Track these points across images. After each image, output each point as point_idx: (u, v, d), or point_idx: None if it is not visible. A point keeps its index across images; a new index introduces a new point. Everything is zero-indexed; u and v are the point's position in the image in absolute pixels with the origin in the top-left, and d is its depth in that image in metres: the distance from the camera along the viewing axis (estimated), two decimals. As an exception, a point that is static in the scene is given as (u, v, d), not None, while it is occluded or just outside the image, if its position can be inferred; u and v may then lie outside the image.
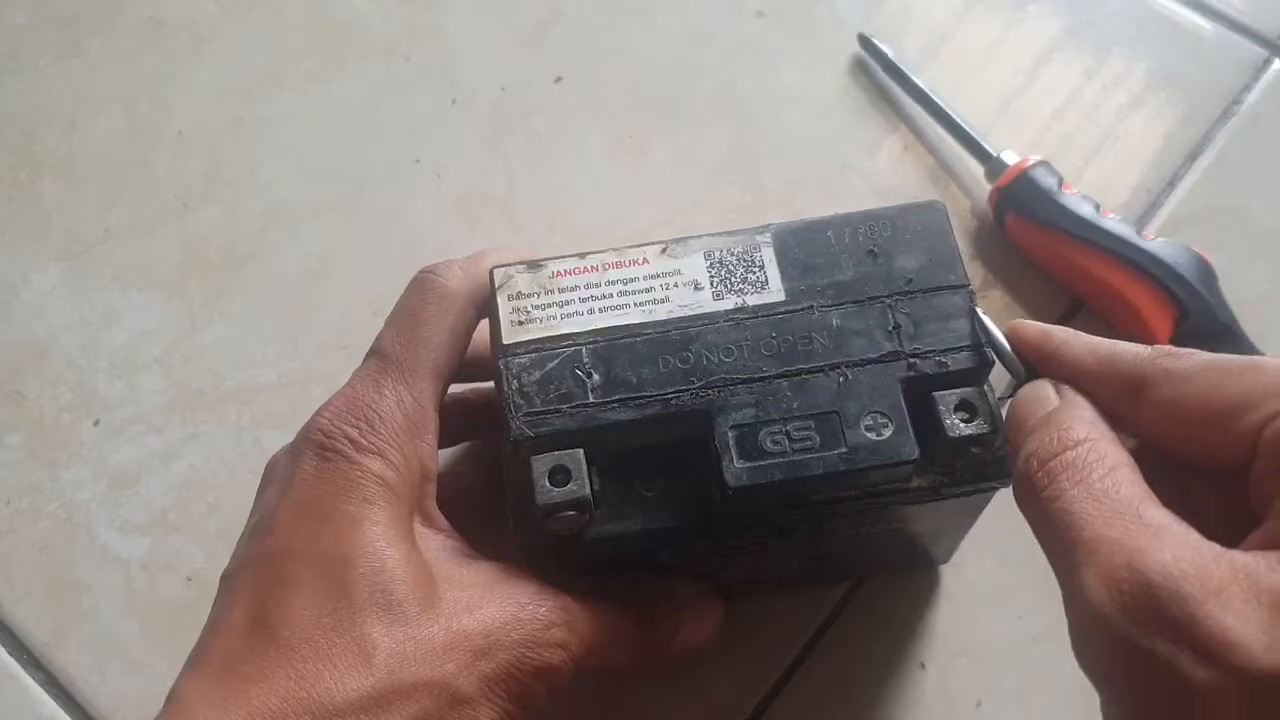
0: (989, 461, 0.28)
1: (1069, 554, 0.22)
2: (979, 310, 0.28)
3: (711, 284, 0.30)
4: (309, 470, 0.28)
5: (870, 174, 0.45)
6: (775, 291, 0.30)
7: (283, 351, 0.43)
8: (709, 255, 0.30)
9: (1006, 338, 0.27)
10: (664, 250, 0.30)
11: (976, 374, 0.28)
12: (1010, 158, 0.42)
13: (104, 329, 0.44)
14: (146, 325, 0.44)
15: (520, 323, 0.29)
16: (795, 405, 0.28)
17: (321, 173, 0.47)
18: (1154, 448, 0.25)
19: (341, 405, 0.29)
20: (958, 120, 0.44)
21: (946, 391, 0.28)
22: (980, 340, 0.28)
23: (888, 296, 0.29)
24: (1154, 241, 0.39)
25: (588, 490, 0.27)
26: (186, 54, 0.50)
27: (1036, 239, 0.41)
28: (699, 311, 0.29)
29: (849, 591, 0.38)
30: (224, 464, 0.41)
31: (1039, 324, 0.27)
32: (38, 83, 0.49)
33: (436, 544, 0.29)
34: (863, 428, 0.27)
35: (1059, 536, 0.23)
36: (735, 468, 0.27)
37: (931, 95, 0.45)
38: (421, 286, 0.31)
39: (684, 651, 0.32)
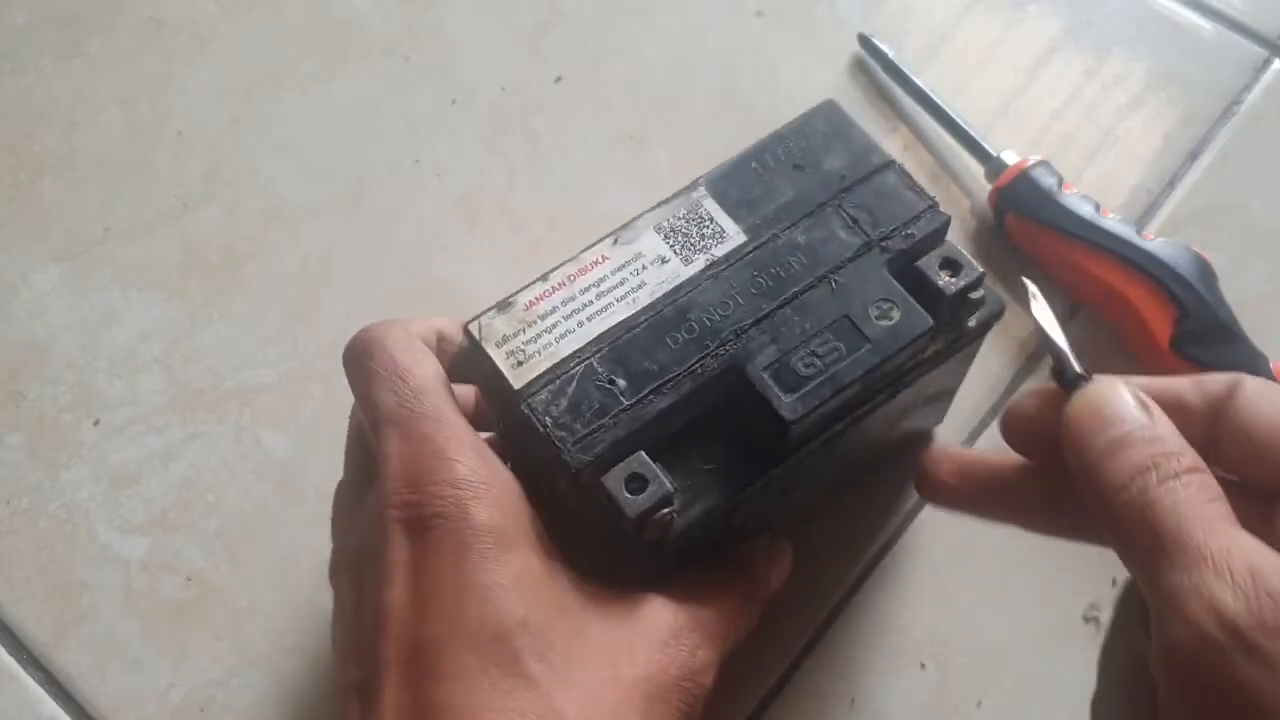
0: (981, 302, 0.30)
1: (1178, 552, 0.21)
2: (1036, 297, 0.29)
3: (676, 252, 0.30)
4: (407, 554, 0.26)
5: (870, 174, 0.45)
6: (735, 235, 0.31)
7: (283, 351, 0.43)
8: (659, 229, 0.31)
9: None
10: (615, 242, 0.31)
11: (941, 232, 0.31)
12: (1010, 158, 0.42)
13: (104, 329, 0.44)
14: (146, 325, 0.44)
15: (520, 363, 0.29)
16: (807, 326, 0.29)
17: (321, 173, 0.47)
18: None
19: (399, 476, 0.26)
20: (958, 120, 0.44)
21: (926, 257, 0.30)
22: (927, 199, 0.31)
23: (833, 199, 0.31)
24: (1154, 241, 0.39)
25: (668, 485, 0.27)
26: (186, 54, 0.50)
27: (1036, 239, 0.41)
28: (678, 281, 0.30)
29: (849, 591, 0.38)
30: (224, 464, 0.41)
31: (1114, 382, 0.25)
32: (38, 83, 0.49)
33: (564, 580, 0.27)
34: (873, 319, 0.29)
35: (1164, 542, 0.22)
36: (787, 402, 0.28)
37: (931, 95, 0.45)
38: (369, 347, 0.29)
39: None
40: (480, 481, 0.26)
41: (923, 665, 0.37)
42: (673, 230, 0.31)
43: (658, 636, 0.27)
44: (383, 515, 0.26)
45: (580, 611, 0.27)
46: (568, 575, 0.28)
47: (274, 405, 0.42)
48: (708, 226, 0.31)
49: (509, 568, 0.25)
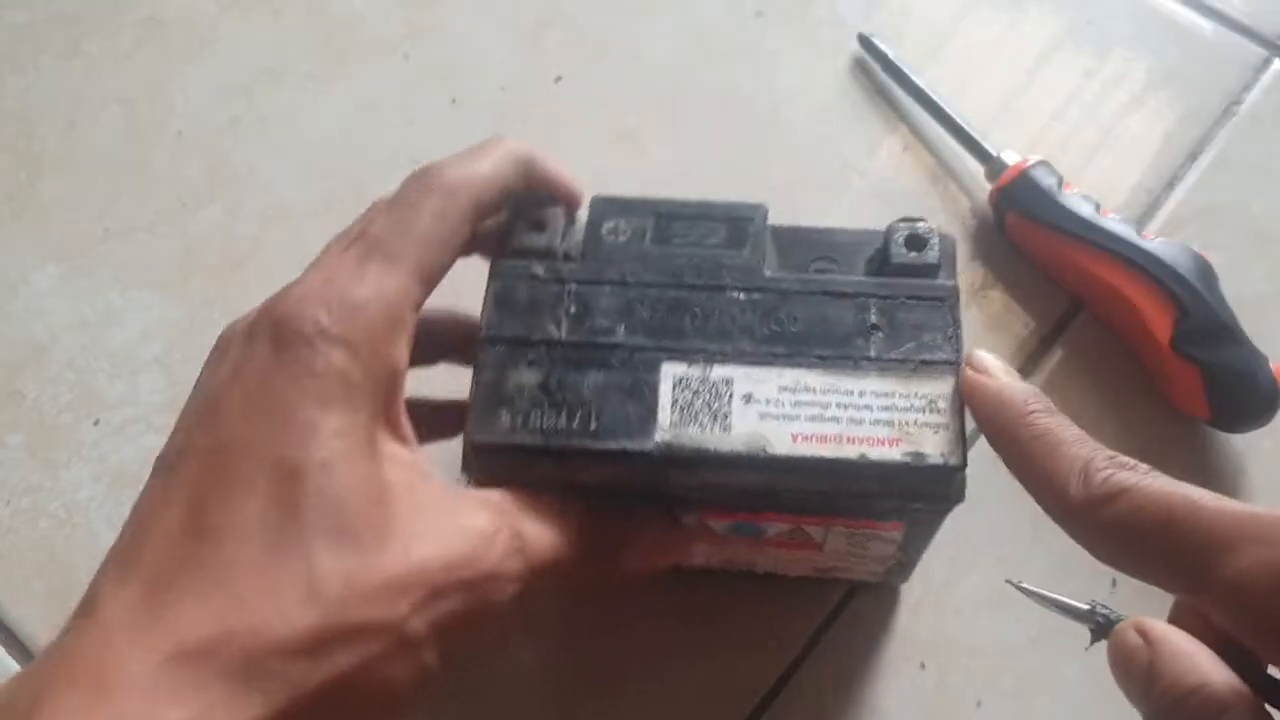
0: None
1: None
2: (1028, 586, 0.28)
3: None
4: (265, 356, 0.25)
5: (870, 174, 0.45)
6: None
7: (283, 351, 0.43)
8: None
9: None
10: None
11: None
12: (1010, 158, 0.42)
13: (104, 329, 0.44)
14: (146, 325, 0.44)
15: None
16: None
17: (321, 173, 0.47)
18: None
19: (314, 286, 0.26)
20: (958, 120, 0.44)
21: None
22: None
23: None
24: (1154, 241, 0.39)
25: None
26: (186, 53, 0.50)
27: (1036, 239, 0.41)
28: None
29: (849, 592, 0.38)
30: (224, 464, 0.41)
31: (1140, 625, 0.24)
32: (38, 83, 0.49)
33: (400, 458, 0.26)
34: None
35: None
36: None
37: (931, 95, 0.45)
38: (425, 180, 0.29)
39: (638, 576, 0.30)
40: (361, 340, 0.25)
41: (923, 665, 0.37)
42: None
43: (473, 529, 0.25)
44: (270, 310, 0.26)
45: (403, 487, 0.25)
46: (413, 459, 0.26)
47: (274, 405, 0.42)
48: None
49: (342, 417, 0.24)
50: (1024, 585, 0.28)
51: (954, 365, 0.28)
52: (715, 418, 0.27)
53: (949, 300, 0.28)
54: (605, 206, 0.31)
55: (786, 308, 0.28)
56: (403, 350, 0.27)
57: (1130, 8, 0.48)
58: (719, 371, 0.28)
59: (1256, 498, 0.38)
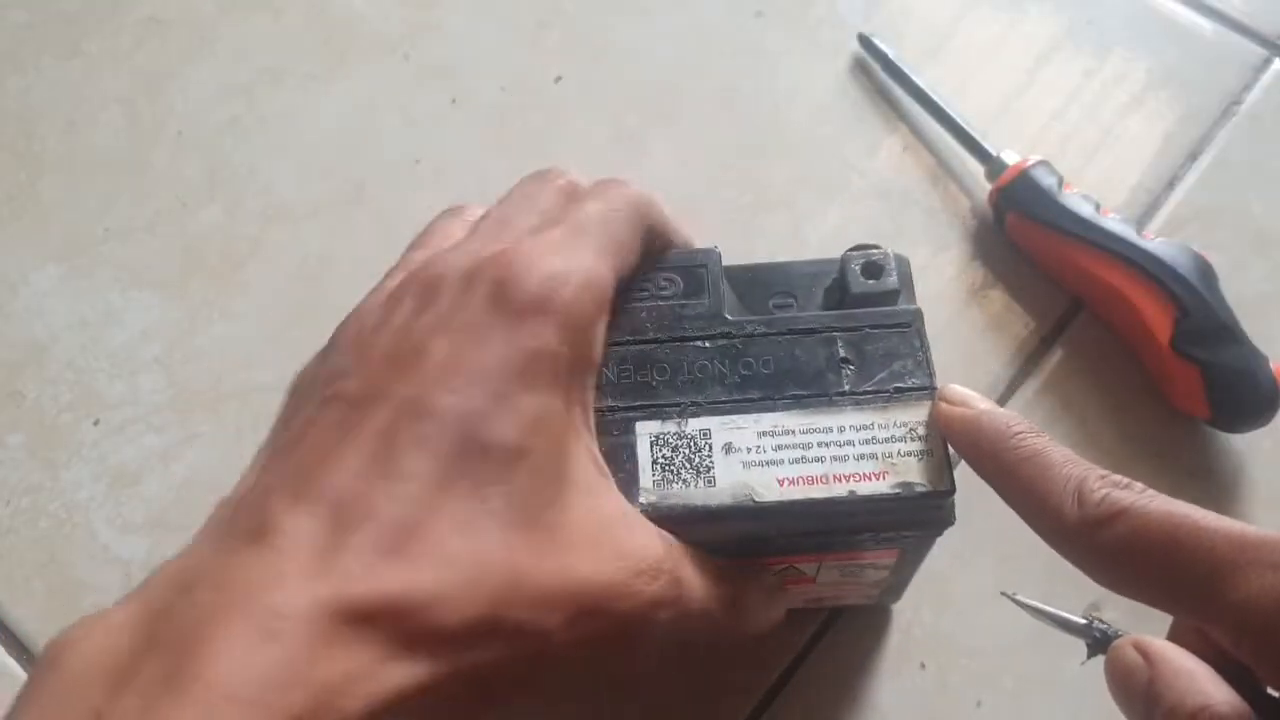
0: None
1: None
2: (1023, 599, 0.28)
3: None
4: (482, 314, 0.24)
5: (870, 174, 0.45)
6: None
7: (283, 351, 0.43)
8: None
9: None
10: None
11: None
12: (1010, 157, 0.42)
13: (104, 329, 0.44)
14: (146, 325, 0.44)
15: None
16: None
17: (321, 173, 0.47)
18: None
19: (541, 253, 0.25)
20: (958, 120, 0.44)
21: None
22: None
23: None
24: (1154, 241, 0.39)
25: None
26: (186, 54, 0.50)
27: (1036, 239, 0.41)
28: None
29: (849, 591, 0.38)
30: (224, 464, 0.41)
31: (1138, 643, 0.24)
32: (38, 82, 0.49)
33: (586, 458, 0.25)
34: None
35: None
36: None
37: (931, 95, 0.45)
38: (628, 187, 0.28)
39: (746, 638, 0.30)
40: (576, 321, 0.24)
41: (923, 665, 0.37)
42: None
43: (636, 559, 0.24)
44: (489, 268, 0.25)
45: (581, 483, 0.24)
46: (595, 453, 0.26)
47: (274, 405, 0.42)
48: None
49: (534, 399, 0.24)
50: (1019, 598, 0.28)
51: (929, 390, 0.27)
52: (698, 472, 0.26)
53: (914, 324, 0.28)
54: None
55: (754, 350, 0.28)
56: (602, 341, 0.26)
57: (1130, 8, 0.48)
58: (695, 424, 0.27)
59: (1256, 498, 0.38)
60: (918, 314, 0.28)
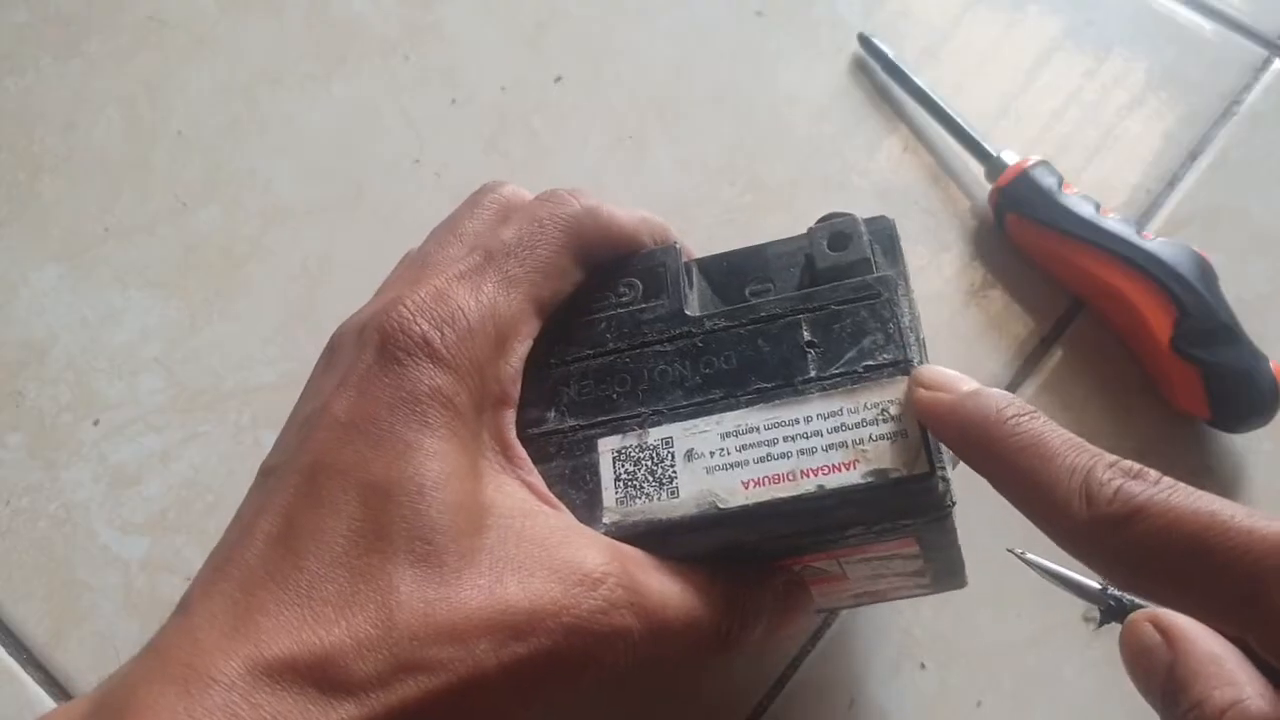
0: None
1: None
2: (1031, 557, 0.26)
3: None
4: (370, 368, 0.24)
5: (870, 174, 0.45)
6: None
7: (283, 351, 0.43)
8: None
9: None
10: None
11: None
12: (1010, 158, 0.42)
13: (104, 329, 0.44)
14: (146, 325, 0.44)
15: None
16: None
17: (321, 173, 0.47)
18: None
19: (428, 299, 0.25)
20: (958, 120, 0.44)
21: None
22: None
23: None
24: (1154, 241, 0.39)
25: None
26: (186, 54, 0.50)
27: (1036, 239, 0.41)
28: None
29: (849, 591, 0.38)
30: (224, 464, 0.41)
31: (1157, 619, 0.23)
32: (37, 83, 0.49)
33: (506, 486, 0.25)
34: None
35: None
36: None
37: (931, 95, 0.45)
38: (558, 203, 0.28)
39: (765, 643, 0.29)
40: (469, 364, 0.25)
41: (923, 665, 0.37)
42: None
43: (574, 569, 0.23)
44: (381, 317, 0.25)
45: (505, 515, 0.24)
46: (523, 486, 0.25)
47: (274, 405, 0.42)
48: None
49: (442, 442, 0.24)
50: (1028, 556, 0.26)
51: (903, 364, 0.25)
52: (660, 484, 0.25)
53: (885, 293, 0.26)
54: None
55: (715, 346, 0.26)
56: (514, 375, 0.26)
57: (1130, 8, 0.48)
58: (656, 434, 0.25)
59: (1257, 498, 0.38)
60: (888, 280, 0.26)
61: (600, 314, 0.27)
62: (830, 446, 0.24)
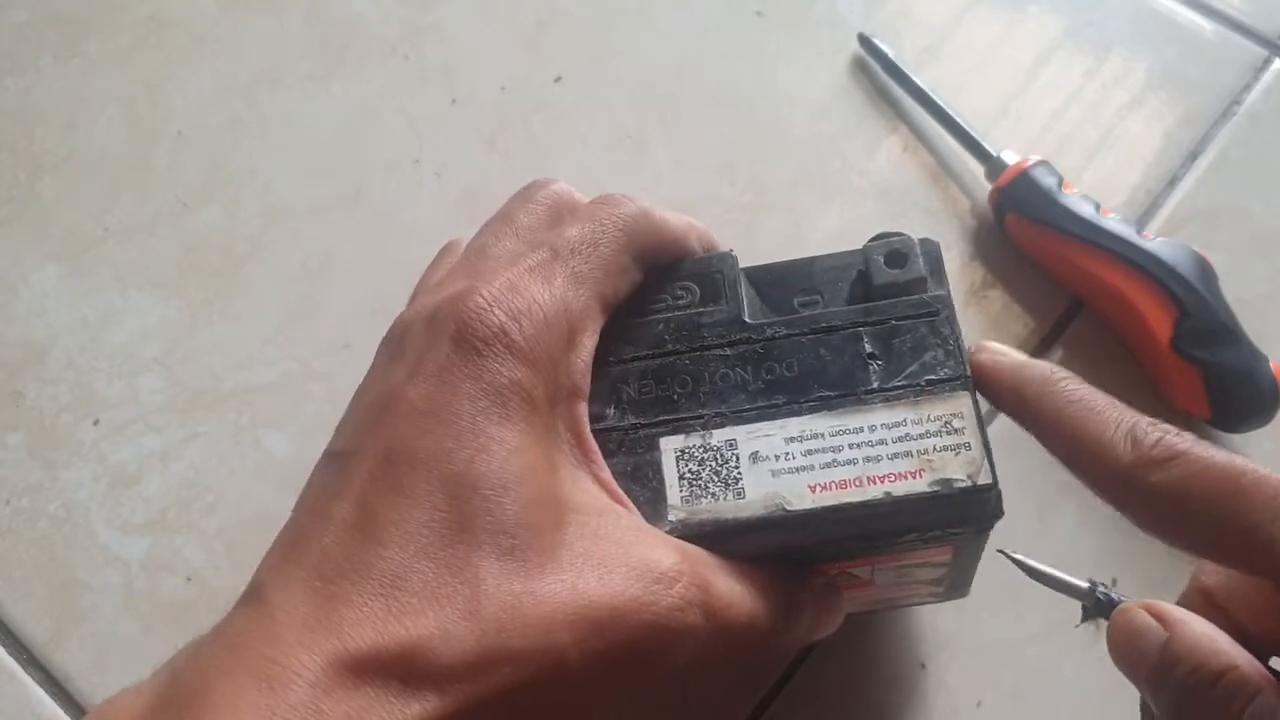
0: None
1: None
2: (1009, 552, 0.27)
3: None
4: (446, 359, 0.24)
5: (870, 174, 0.45)
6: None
7: (283, 351, 0.43)
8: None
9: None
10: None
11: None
12: (1010, 158, 0.42)
13: (104, 329, 0.44)
14: (146, 325, 0.44)
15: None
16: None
17: (321, 173, 0.47)
18: None
19: (502, 290, 0.25)
20: (958, 120, 0.44)
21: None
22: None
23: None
24: (1154, 241, 0.39)
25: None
26: (186, 54, 0.50)
27: (1036, 239, 0.41)
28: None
29: (849, 591, 0.38)
30: (224, 464, 0.41)
31: (1150, 607, 0.24)
32: (38, 82, 0.49)
33: (581, 482, 0.25)
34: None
35: None
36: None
37: (931, 95, 0.45)
38: (616, 205, 0.28)
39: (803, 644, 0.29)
40: (545, 356, 0.25)
41: (923, 665, 0.37)
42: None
43: (650, 569, 0.24)
44: (456, 305, 0.25)
45: (581, 512, 0.24)
46: (597, 481, 0.26)
47: (274, 405, 0.42)
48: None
49: (522, 435, 0.24)
50: (1017, 556, 0.27)
51: (962, 380, 0.26)
52: (726, 485, 0.26)
53: (943, 311, 0.27)
54: None
55: (777, 353, 0.27)
56: (584, 369, 0.26)
57: (1130, 8, 0.48)
58: (720, 435, 0.26)
59: (1256, 498, 0.38)
60: (946, 300, 0.27)
61: (658, 315, 0.28)
62: (895, 455, 0.25)
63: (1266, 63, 0.46)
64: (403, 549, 0.22)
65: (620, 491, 0.26)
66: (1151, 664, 0.22)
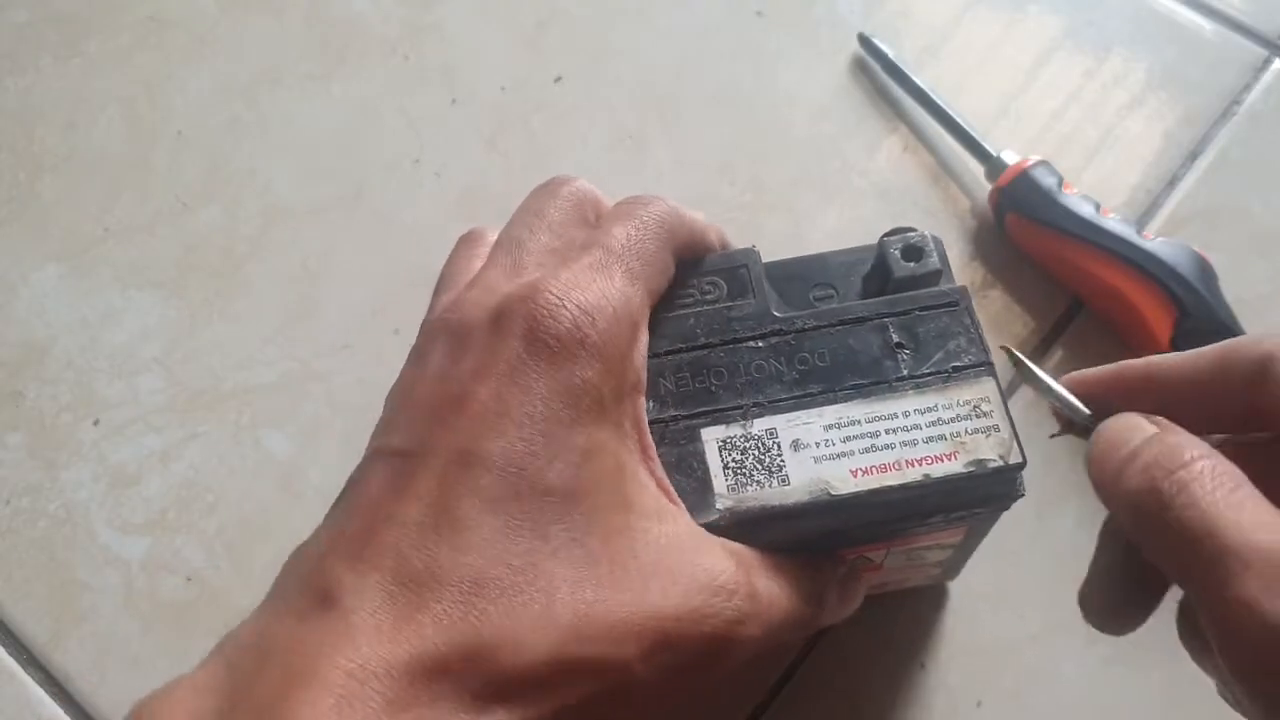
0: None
1: (1216, 564, 0.20)
2: (1019, 354, 0.27)
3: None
4: (518, 357, 0.24)
5: (870, 174, 0.45)
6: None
7: (283, 351, 0.43)
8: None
9: (1066, 385, 0.26)
10: None
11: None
12: (1010, 157, 0.42)
13: (104, 329, 0.44)
14: (146, 325, 0.44)
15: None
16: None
17: (321, 173, 0.47)
18: None
19: (570, 285, 0.25)
20: (958, 120, 0.44)
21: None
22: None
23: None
24: (1154, 241, 0.39)
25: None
26: (186, 54, 0.50)
27: (1036, 239, 0.41)
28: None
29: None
30: (224, 464, 0.41)
31: (1106, 365, 0.25)
32: (38, 82, 0.49)
33: (646, 484, 0.25)
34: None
35: (1200, 546, 0.21)
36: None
37: (931, 95, 0.45)
38: (651, 204, 0.28)
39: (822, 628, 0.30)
40: (615, 350, 0.25)
41: (923, 665, 0.37)
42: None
43: (709, 580, 0.24)
44: (528, 297, 0.24)
45: (644, 515, 0.24)
46: (655, 478, 0.26)
47: (274, 405, 0.42)
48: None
49: (594, 435, 0.24)
50: (1024, 360, 0.26)
51: (986, 365, 0.27)
52: (770, 472, 0.26)
53: (962, 302, 0.28)
54: None
55: (808, 345, 0.28)
56: (644, 363, 0.26)
57: (1130, 8, 0.48)
58: (760, 424, 0.27)
59: (1256, 498, 0.38)
60: (964, 291, 0.29)
61: (688, 310, 0.29)
62: (930, 439, 0.26)
63: (1266, 63, 0.46)
64: (481, 554, 0.22)
65: (671, 489, 0.26)
66: (1134, 446, 0.23)
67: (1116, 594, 0.26)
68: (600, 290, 0.25)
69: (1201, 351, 0.24)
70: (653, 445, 0.26)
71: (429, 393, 0.25)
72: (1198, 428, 0.23)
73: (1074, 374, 0.26)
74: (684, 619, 0.23)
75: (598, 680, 0.22)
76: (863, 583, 0.30)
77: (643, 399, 0.26)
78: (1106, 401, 0.25)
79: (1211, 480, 0.21)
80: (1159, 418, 0.24)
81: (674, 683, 0.24)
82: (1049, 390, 0.26)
